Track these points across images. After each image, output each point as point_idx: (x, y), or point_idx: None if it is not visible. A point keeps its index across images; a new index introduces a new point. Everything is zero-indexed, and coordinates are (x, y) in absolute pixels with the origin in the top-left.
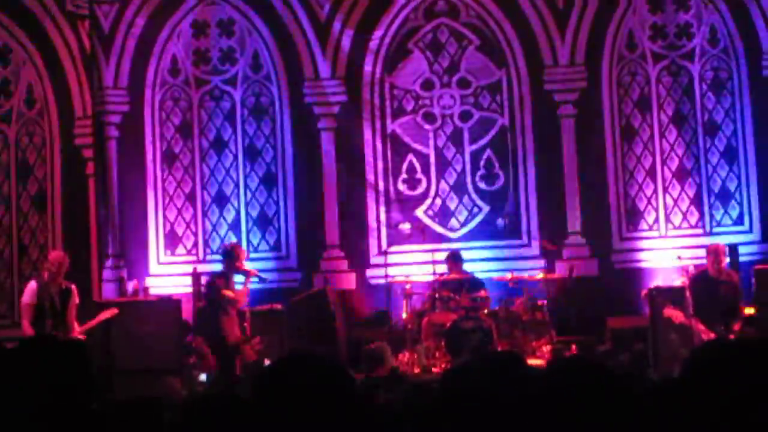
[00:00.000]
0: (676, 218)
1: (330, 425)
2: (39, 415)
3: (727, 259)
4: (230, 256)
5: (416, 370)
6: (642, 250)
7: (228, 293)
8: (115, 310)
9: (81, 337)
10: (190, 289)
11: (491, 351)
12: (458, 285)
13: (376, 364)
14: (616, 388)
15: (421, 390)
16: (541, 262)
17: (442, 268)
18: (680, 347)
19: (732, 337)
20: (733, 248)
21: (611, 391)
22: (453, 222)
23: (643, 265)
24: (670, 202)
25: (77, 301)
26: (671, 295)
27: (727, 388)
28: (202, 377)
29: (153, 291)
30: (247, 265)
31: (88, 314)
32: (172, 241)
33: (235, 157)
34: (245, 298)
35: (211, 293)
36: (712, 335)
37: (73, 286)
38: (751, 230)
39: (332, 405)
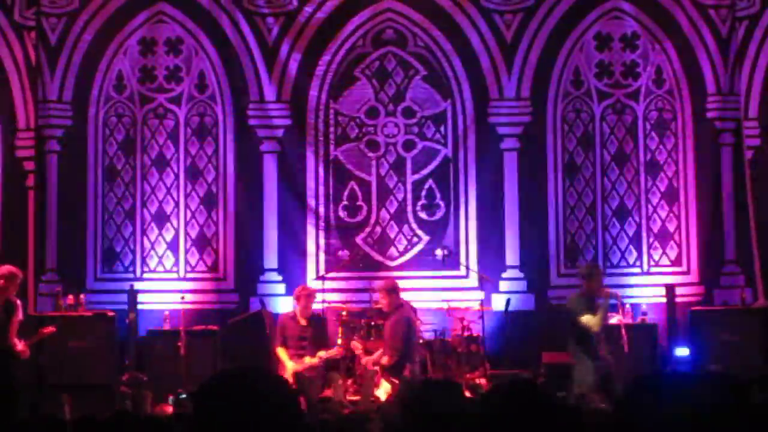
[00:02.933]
0: (615, 256)
1: None
2: None
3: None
4: None
5: (348, 397)
6: (579, 286)
7: None
8: (53, 328)
9: (24, 351)
10: (125, 306)
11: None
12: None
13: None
14: (559, 410)
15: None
16: (479, 294)
17: (379, 296)
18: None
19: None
20: (670, 289)
21: (555, 413)
22: (392, 251)
23: None
24: (609, 240)
25: (21, 317)
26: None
27: (662, 418)
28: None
29: (89, 307)
30: None
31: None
32: (109, 257)
33: (177, 176)
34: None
35: None
36: None
37: (18, 302)
38: (688, 271)
39: (278, 419)
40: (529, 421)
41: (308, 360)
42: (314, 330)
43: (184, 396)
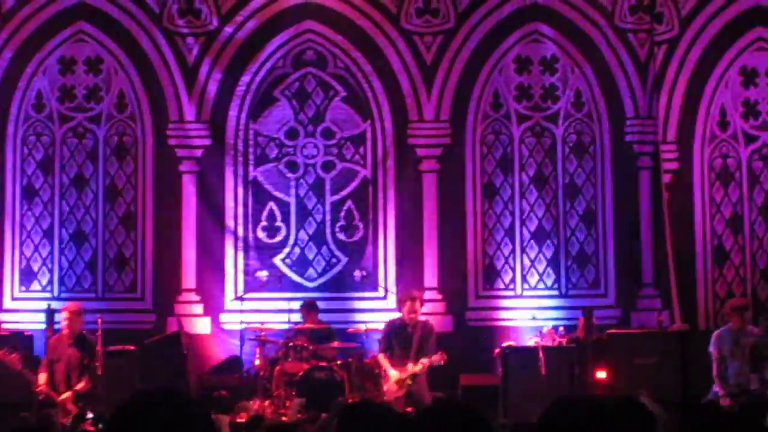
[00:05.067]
0: (533, 279)
1: None
2: None
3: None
4: None
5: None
6: (497, 308)
7: None
8: None
9: None
10: (43, 326)
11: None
12: (312, 334)
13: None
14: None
15: None
16: (396, 315)
17: (297, 317)
18: None
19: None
20: (588, 311)
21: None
22: (310, 271)
23: (497, 323)
24: (527, 262)
25: None
26: (524, 353)
27: None
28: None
29: (5, 326)
30: None
31: None
32: (27, 276)
33: (95, 195)
34: None
35: None
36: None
37: None
38: (606, 294)
39: None
40: None
41: (411, 367)
42: (419, 337)
43: (91, 416)
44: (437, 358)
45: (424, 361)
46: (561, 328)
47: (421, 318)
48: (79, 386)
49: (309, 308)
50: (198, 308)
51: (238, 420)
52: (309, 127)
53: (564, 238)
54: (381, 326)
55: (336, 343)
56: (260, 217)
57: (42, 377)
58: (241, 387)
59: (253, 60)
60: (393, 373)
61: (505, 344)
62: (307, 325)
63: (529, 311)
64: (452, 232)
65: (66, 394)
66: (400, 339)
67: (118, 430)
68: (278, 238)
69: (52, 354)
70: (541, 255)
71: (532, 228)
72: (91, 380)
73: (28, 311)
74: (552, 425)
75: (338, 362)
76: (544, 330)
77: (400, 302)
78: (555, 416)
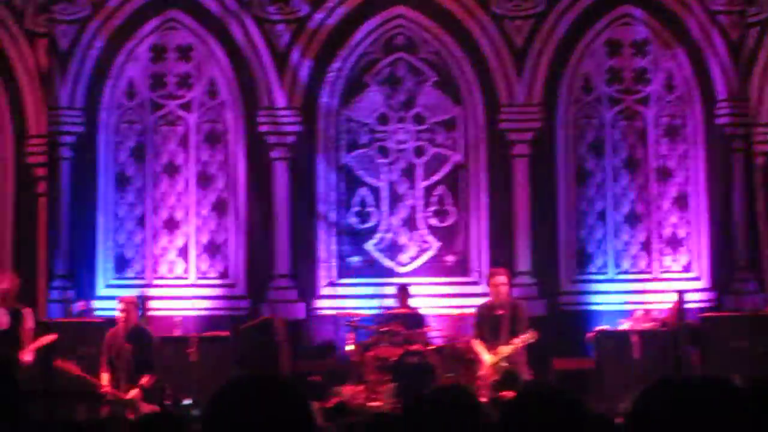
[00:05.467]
0: (625, 262)
1: None
2: None
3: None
4: None
5: (358, 403)
6: (590, 292)
7: None
8: (55, 336)
9: (29, 358)
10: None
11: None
12: (405, 320)
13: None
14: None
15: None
16: None
17: (390, 302)
18: None
19: None
20: (680, 295)
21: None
22: (402, 257)
23: (590, 307)
24: (619, 246)
25: (31, 325)
26: (617, 337)
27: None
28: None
29: (99, 313)
30: None
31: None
32: (120, 264)
33: (187, 182)
34: None
35: None
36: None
37: (27, 310)
38: (699, 277)
39: (292, 427)
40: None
41: (503, 349)
42: (509, 317)
43: (187, 403)
44: (528, 336)
45: (516, 341)
46: (654, 312)
47: (512, 298)
48: (144, 381)
49: (402, 292)
50: (292, 294)
51: (328, 405)
52: (400, 112)
53: (657, 222)
54: (473, 311)
55: (428, 328)
56: (352, 202)
57: (104, 377)
58: (335, 372)
59: (344, 46)
60: (487, 358)
61: (598, 328)
62: (399, 310)
63: (622, 295)
64: (544, 217)
65: (133, 392)
66: (491, 322)
67: (215, 417)
68: (370, 224)
69: (109, 351)
70: (633, 239)
71: (625, 212)
72: (154, 373)
73: None
74: (649, 408)
75: (431, 347)
76: (637, 314)
77: (487, 283)
78: (653, 399)
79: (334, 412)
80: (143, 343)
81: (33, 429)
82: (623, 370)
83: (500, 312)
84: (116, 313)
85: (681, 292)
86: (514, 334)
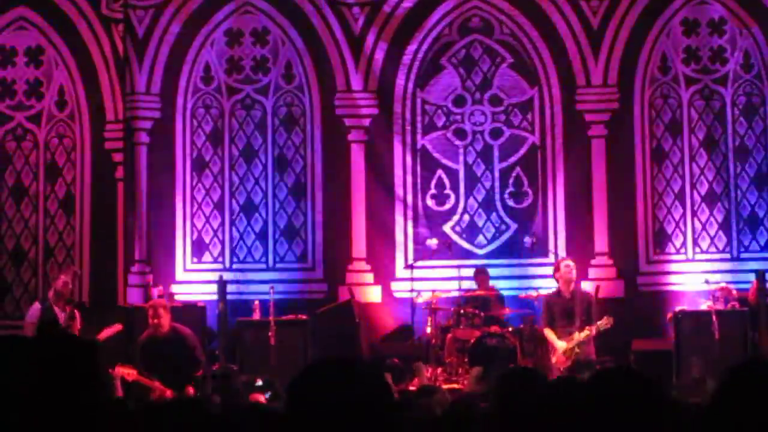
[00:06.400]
0: (704, 242)
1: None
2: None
3: None
4: None
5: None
6: (669, 273)
7: None
8: (119, 326)
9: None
10: (215, 297)
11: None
12: (484, 302)
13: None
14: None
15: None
16: None
17: (468, 284)
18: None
19: None
20: (761, 274)
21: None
22: (480, 238)
23: (669, 288)
24: (698, 226)
25: (79, 326)
26: (697, 317)
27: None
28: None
29: (178, 297)
30: None
31: (110, 319)
32: (199, 248)
33: (265, 166)
34: None
35: None
36: None
37: (77, 312)
38: None
39: (374, 412)
40: (635, 417)
41: (578, 335)
42: (580, 304)
43: (260, 383)
44: (604, 322)
45: (591, 327)
46: (734, 292)
47: (581, 287)
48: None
49: (481, 274)
50: (369, 277)
51: (410, 387)
52: (476, 94)
53: (735, 201)
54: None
55: (507, 310)
56: (429, 185)
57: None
58: (413, 355)
59: (419, 29)
60: (560, 345)
61: (677, 309)
62: (478, 292)
63: (701, 275)
64: (622, 197)
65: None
66: (562, 311)
67: (295, 400)
68: (447, 206)
69: (150, 360)
70: (712, 218)
71: (703, 191)
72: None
73: (200, 282)
74: (736, 388)
75: (510, 329)
76: (718, 293)
77: (555, 272)
78: (740, 379)
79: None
80: (184, 344)
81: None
82: (703, 351)
83: (570, 300)
84: (151, 321)
85: (761, 272)
86: (589, 321)
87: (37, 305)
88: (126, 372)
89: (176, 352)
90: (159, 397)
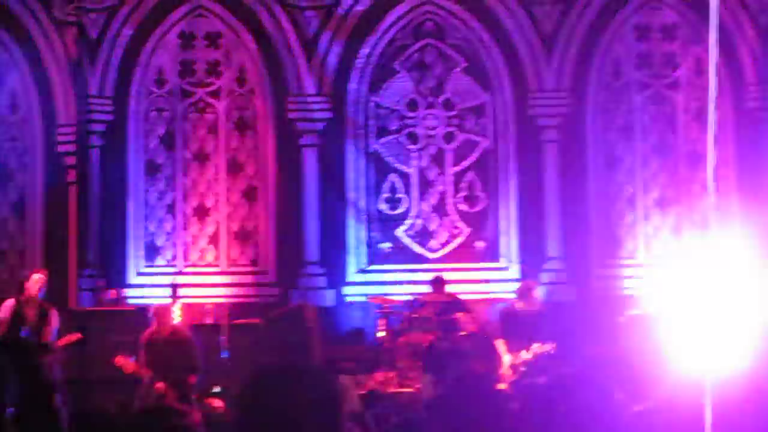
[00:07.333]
0: (657, 246)
1: None
2: None
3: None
4: None
5: (390, 389)
6: (621, 277)
7: None
8: (79, 335)
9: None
10: (168, 300)
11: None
12: (436, 306)
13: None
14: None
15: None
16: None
17: (421, 289)
18: None
19: None
20: None
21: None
22: (432, 243)
23: (622, 292)
24: (650, 231)
25: (56, 324)
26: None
27: None
28: None
29: (131, 301)
30: None
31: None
32: (151, 251)
33: (217, 169)
34: None
35: None
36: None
37: (54, 311)
38: None
39: (323, 415)
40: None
41: (524, 354)
42: (531, 324)
43: (217, 390)
44: (548, 348)
45: (536, 348)
46: None
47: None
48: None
49: (438, 283)
50: (321, 281)
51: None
52: (429, 98)
53: (687, 206)
54: (503, 296)
55: (460, 314)
56: (382, 189)
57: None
58: (366, 359)
59: (373, 32)
60: (507, 358)
61: (630, 313)
62: (431, 297)
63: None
64: (574, 202)
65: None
66: (515, 326)
67: (245, 405)
68: (400, 210)
69: (149, 353)
70: (663, 223)
71: (655, 196)
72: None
73: (152, 286)
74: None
75: (462, 333)
76: None
77: (521, 294)
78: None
79: (368, 399)
80: (184, 347)
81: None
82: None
83: (524, 318)
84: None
85: None
86: (536, 340)
87: (10, 301)
88: (124, 363)
89: (175, 354)
90: (161, 395)
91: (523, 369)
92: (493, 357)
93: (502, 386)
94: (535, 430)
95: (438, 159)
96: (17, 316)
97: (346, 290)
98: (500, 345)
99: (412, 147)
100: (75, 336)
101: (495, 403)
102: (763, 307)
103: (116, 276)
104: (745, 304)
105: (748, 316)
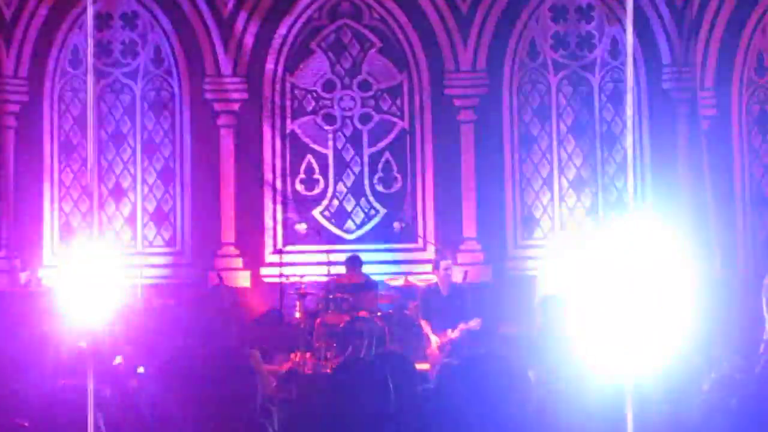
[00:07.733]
0: (572, 227)
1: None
2: None
3: None
4: None
5: (307, 370)
6: (537, 258)
7: None
8: None
9: None
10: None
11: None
12: (352, 287)
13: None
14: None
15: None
16: None
17: (337, 270)
18: None
19: None
20: None
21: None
22: (349, 224)
23: (537, 272)
24: (566, 211)
25: None
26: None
27: None
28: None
29: (46, 282)
30: None
31: None
32: (67, 233)
33: (134, 150)
34: None
35: None
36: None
37: None
38: None
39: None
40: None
41: (450, 333)
42: (455, 301)
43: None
44: (473, 324)
45: (462, 326)
46: None
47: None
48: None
49: (353, 263)
50: (238, 262)
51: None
52: (345, 79)
53: (602, 186)
54: (420, 278)
55: (376, 295)
56: (298, 170)
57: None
58: (282, 339)
59: (289, 12)
60: (434, 339)
61: (545, 293)
62: (347, 277)
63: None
64: (490, 182)
65: None
66: (438, 305)
67: (162, 384)
68: (316, 191)
69: None
70: (579, 203)
71: (571, 177)
72: None
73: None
74: None
75: (379, 313)
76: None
77: (435, 268)
78: None
79: (285, 378)
80: None
81: None
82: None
83: (446, 296)
84: None
85: None
86: (461, 319)
87: None
88: None
89: None
90: None
91: (449, 348)
92: (411, 338)
93: (425, 366)
94: (451, 410)
95: (354, 140)
96: None
97: (263, 271)
98: (425, 326)
99: (328, 128)
100: None
101: (410, 385)
102: (674, 285)
103: (32, 257)
104: (658, 284)
105: (661, 295)
